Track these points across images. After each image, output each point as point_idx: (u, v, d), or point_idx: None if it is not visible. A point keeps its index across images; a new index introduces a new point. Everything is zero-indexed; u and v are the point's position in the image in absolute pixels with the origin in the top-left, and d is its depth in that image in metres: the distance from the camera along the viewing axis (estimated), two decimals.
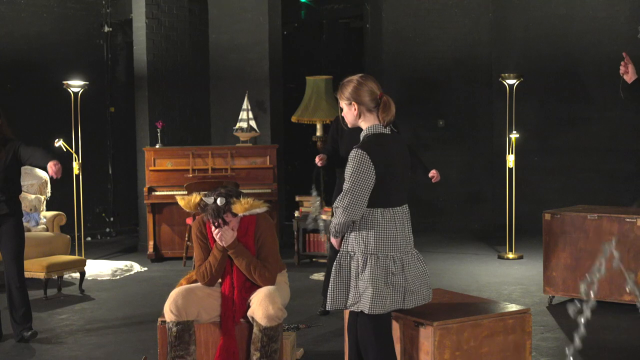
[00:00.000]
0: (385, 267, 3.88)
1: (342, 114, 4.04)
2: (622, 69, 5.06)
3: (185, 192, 8.35)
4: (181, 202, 4.65)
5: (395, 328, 4.19)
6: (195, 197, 4.57)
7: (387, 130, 4.00)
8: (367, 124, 3.99)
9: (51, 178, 6.13)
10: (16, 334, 5.87)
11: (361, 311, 3.92)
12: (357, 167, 3.82)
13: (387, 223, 3.90)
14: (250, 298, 4.55)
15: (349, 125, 4.07)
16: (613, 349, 5.57)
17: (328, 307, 4.01)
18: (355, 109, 3.97)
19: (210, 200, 4.45)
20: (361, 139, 3.97)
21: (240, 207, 4.42)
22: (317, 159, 6.17)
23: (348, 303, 3.94)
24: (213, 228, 4.48)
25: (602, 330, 6.02)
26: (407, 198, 4.08)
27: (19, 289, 5.81)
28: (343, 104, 4.01)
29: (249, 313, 4.53)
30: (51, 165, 5.50)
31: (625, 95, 5.18)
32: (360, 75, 4.03)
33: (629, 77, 5.09)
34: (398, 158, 3.99)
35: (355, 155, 3.84)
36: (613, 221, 6.51)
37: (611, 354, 5.49)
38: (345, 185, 3.85)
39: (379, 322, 3.93)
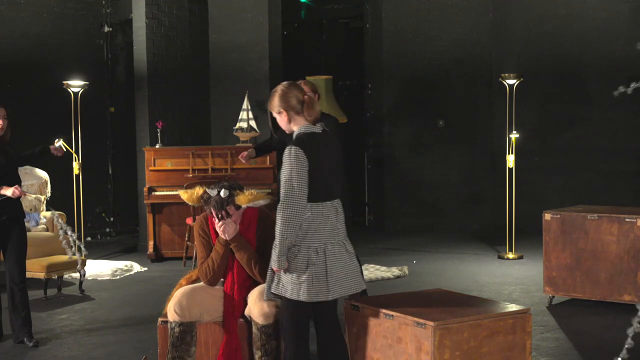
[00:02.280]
0: (307, 257, 4.08)
1: (278, 124, 4.30)
2: None
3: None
4: (184, 196, 4.66)
5: (395, 326, 4.19)
6: (199, 190, 4.60)
7: (319, 129, 4.22)
8: (297, 125, 4.22)
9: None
10: (16, 335, 5.87)
11: (283, 299, 4.16)
12: (294, 164, 4.04)
13: (312, 216, 4.10)
14: (248, 296, 4.56)
15: (287, 132, 4.30)
16: (613, 349, 5.57)
17: (265, 297, 4.27)
18: (285, 115, 4.22)
19: (213, 192, 4.48)
20: (293, 138, 4.19)
21: (244, 198, 4.46)
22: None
23: (272, 287, 4.18)
24: (216, 221, 4.50)
25: (602, 330, 6.02)
26: (339, 194, 4.28)
27: (22, 290, 5.82)
28: (274, 114, 4.27)
29: (246, 312, 4.54)
30: (53, 149, 6.15)
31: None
32: (283, 83, 4.29)
33: None
34: (329, 155, 4.20)
35: (289, 153, 4.06)
36: (613, 221, 6.51)
37: (611, 354, 5.49)
38: (285, 186, 4.03)
39: (297, 310, 4.15)
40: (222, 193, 4.45)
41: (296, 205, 4.03)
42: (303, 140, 4.12)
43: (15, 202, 5.83)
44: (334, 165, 4.24)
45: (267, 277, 4.23)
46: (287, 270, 4.11)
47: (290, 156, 4.05)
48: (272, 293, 4.20)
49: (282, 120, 4.25)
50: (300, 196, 4.04)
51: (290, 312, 4.18)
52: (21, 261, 5.84)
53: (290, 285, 4.11)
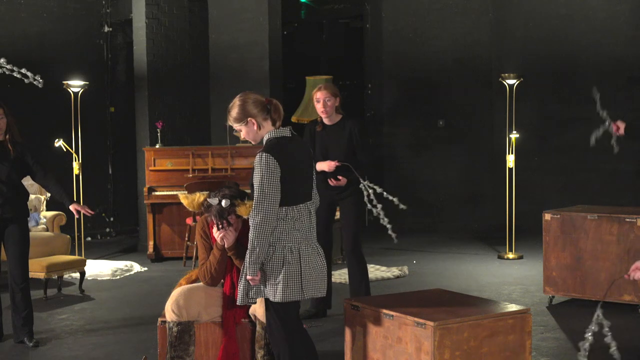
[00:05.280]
0: (283, 257, 4.07)
1: (244, 137, 4.25)
2: (614, 129, 5.62)
3: (186, 192, 8.35)
4: (184, 201, 4.62)
5: (395, 326, 4.19)
6: (199, 197, 4.55)
7: (288, 133, 4.21)
8: (266, 130, 4.20)
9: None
10: (17, 335, 5.86)
11: (268, 303, 4.14)
12: (265, 171, 4.00)
13: (288, 219, 4.09)
14: None
15: (254, 142, 4.27)
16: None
17: (238, 302, 4.19)
18: (254, 123, 4.17)
19: (214, 201, 4.42)
20: (264, 144, 4.17)
21: (245, 209, 4.38)
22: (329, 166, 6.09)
23: (251, 293, 4.14)
24: (215, 229, 4.47)
25: (602, 330, 6.01)
26: (311, 196, 4.26)
27: (23, 290, 5.81)
28: (240, 126, 4.21)
29: (251, 311, 4.54)
30: (79, 209, 5.90)
31: (619, 144, 5.71)
32: (237, 96, 4.24)
33: (621, 131, 5.67)
34: (300, 158, 4.20)
35: (260, 160, 4.02)
36: (613, 221, 6.51)
37: (611, 354, 5.48)
38: (257, 193, 4.00)
39: (285, 311, 4.13)
40: (223, 203, 4.39)
41: (267, 212, 3.99)
42: (274, 147, 4.09)
43: (15, 201, 5.80)
44: (305, 167, 4.23)
45: (241, 281, 4.16)
46: (262, 272, 4.07)
47: (261, 163, 4.00)
48: (247, 297, 4.16)
49: (250, 130, 4.19)
50: (271, 203, 3.99)
51: (278, 313, 4.14)
52: (22, 261, 5.81)
53: (267, 286, 4.09)
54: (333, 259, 7.73)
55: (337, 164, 6.04)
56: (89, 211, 5.96)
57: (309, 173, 4.28)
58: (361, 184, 5.78)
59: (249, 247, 4.03)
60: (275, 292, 4.07)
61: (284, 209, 4.06)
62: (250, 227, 4.02)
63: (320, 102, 6.06)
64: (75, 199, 5.99)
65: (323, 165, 6.08)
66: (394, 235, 5.33)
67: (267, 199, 3.99)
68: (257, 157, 4.03)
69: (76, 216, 5.98)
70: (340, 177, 6.04)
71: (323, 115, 6.13)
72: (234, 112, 4.20)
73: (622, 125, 5.75)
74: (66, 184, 9.06)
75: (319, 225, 6.11)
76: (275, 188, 4.00)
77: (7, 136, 5.82)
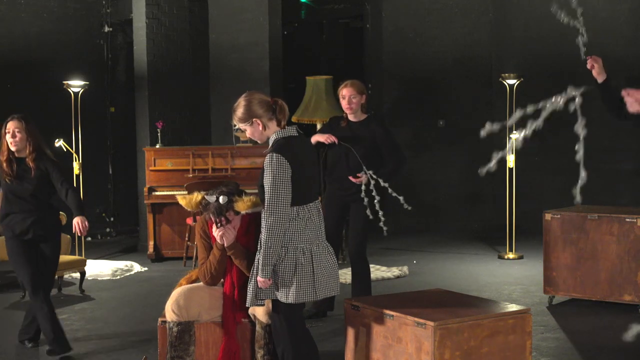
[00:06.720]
0: (295, 258, 4.07)
1: (249, 136, 4.23)
2: (589, 64, 5.15)
3: (186, 192, 8.35)
4: (182, 202, 4.62)
5: (395, 326, 4.19)
6: (197, 196, 4.55)
7: (295, 132, 4.20)
8: (271, 131, 4.17)
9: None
10: (20, 336, 5.86)
11: (275, 304, 4.16)
12: (276, 172, 3.99)
13: (299, 219, 4.09)
14: None
15: (260, 142, 4.26)
16: (613, 349, 5.57)
17: (248, 303, 4.20)
18: (259, 124, 4.15)
19: (212, 198, 4.42)
20: (270, 145, 4.16)
21: (243, 204, 4.40)
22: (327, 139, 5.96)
23: (261, 295, 4.13)
24: (214, 227, 4.47)
25: (602, 330, 6.02)
26: (317, 195, 4.28)
27: (38, 304, 5.71)
28: (246, 126, 4.18)
29: (250, 311, 4.54)
30: (77, 223, 5.48)
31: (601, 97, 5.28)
32: (243, 95, 4.22)
33: (596, 72, 5.14)
34: (308, 157, 4.22)
35: (271, 161, 4.01)
36: (613, 221, 6.51)
37: (611, 354, 5.49)
38: (269, 194, 3.99)
39: (292, 312, 4.15)
40: (220, 199, 4.38)
41: (280, 213, 3.99)
42: (283, 147, 4.07)
43: (44, 219, 5.60)
44: (312, 166, 4.25)
45: (250, 283, 4.17)
46: (274, 273, 4.07)
47: (272, 164, 3.99)
48: (256, 299, 4.15)
49: (255, 130, 4.16)
50: (283, 204, 3.99)
51: (285, 314, 4.15)
52: (47, 277, 5.65)
53: (279, 288, 4.09)
54: None
55: (335, 140, 5.94)
56: (83, 232, 5.60)
57: (314, 171, 4.29)
58: (363, 171, 5.76)
59: (262, 248, 4.03)
60: (288, 294, 4.07)
61: (295, 209, 4.06)
62: (263, 229, 4.02)
63: (346, 99, 6.07)
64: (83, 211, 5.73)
65: (320, 137, 5.95)
66: (385, 228, 5.33)
67: (280, 200, 3.99)
68: (267, 158, 4.02)
69: (73, 230, 5.61)
70: (359, 175, 5.90)
71: (348, 112, 6.13)
72: (239, 112, 4.17)
73: (597, 68, 5.27)
74: None
75: (330, 227, 6.12)
76: (287, 188, 4.00)
77: (28, 151, 5.57)
